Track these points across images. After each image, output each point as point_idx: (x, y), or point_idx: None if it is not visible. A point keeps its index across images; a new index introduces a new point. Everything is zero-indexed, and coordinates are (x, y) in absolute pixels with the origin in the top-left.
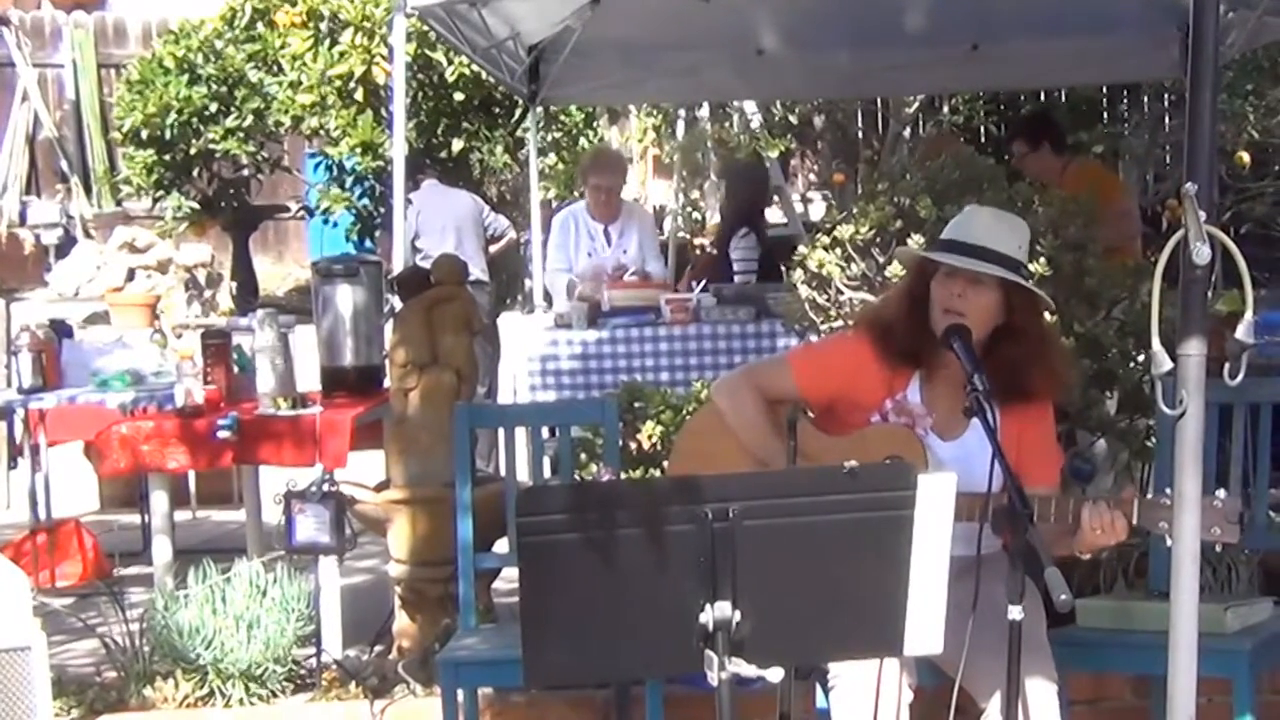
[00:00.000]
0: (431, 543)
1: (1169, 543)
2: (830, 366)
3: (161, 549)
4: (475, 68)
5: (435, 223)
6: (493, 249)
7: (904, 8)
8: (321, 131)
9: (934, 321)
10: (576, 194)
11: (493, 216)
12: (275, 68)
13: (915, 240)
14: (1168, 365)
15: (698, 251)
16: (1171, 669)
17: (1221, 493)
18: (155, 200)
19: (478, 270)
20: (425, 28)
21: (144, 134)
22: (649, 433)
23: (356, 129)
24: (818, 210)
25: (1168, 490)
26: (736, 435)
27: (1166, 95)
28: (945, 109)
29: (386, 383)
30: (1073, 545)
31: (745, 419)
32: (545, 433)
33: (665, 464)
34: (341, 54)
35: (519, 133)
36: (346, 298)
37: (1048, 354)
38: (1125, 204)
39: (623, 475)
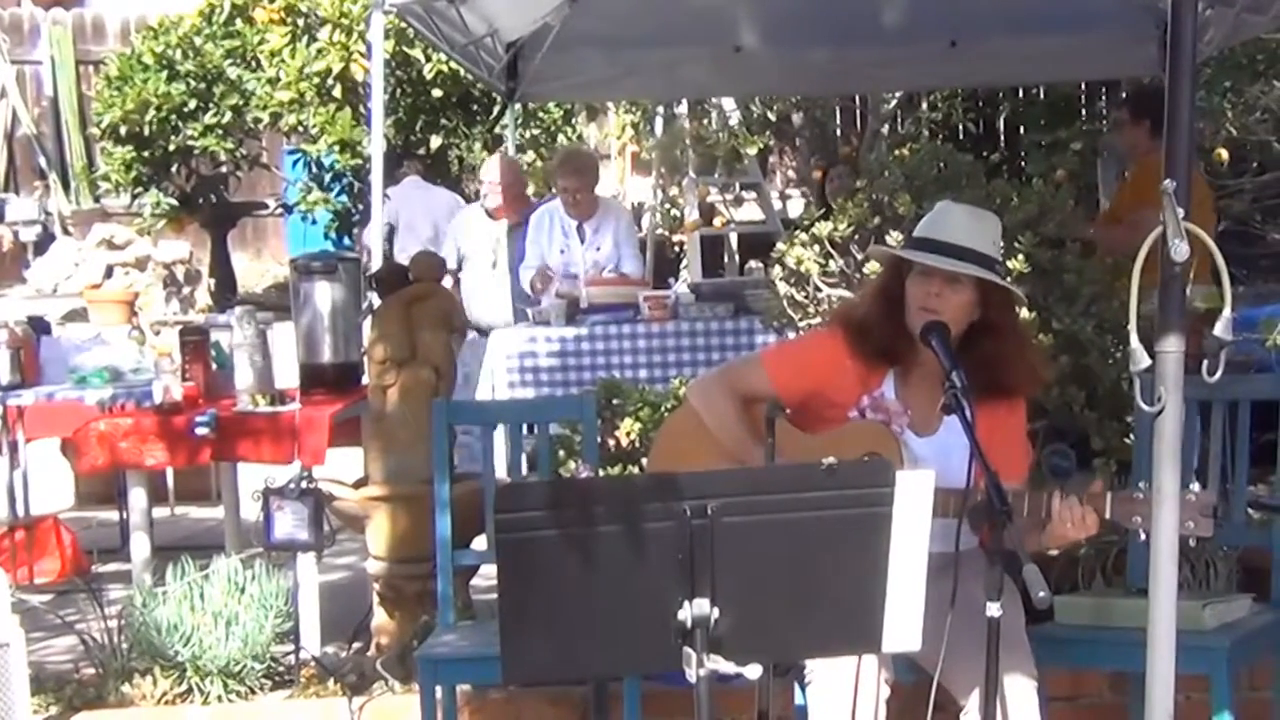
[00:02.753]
0: (410, 539)
1: (1142, 537)
2: (805, 364)
3: (140, 546)
4: (453, 65)
5: (413, 219)
6: None
7: (882, 5)
8: (300, 128)
9: (910, 320)
10: (554, 191)
11: None
12: (254, 64)
13: (894, 237)
14: (1146, 362)
15: (677, 249)
16: (1150, 666)
17: (1195, 486)
18: (134, 197)
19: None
20: (403, 24)
21: (122, 130)
22: (627, 430)
23: (335, 126)
24: (796, 207)
25: (1141, 484)
26: (713, 436)
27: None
28: (924, 106)
29: (365, 379)
30: (1041, 539)
31: (720, 419)
32: (524, 430)
33: (644, 461)
34: (320, 51)
35: (497, 130)
36: (325, 294)
37: (1023, 350)
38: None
39: (601, 472)
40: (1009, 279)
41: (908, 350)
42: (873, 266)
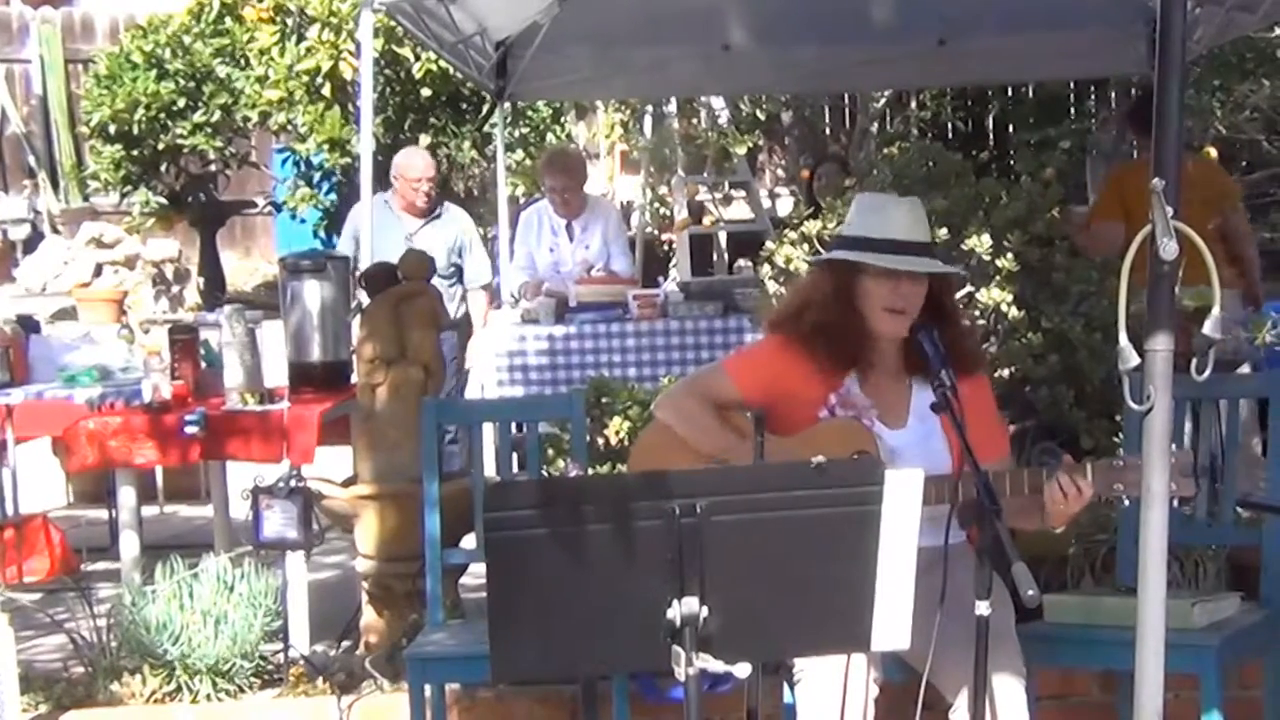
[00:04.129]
0: (399, 538)
1: (1126, 503)
2: (767, 367)
3: (129, 544)
4: (442, 63)
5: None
6: None
7: (871, 3)
8: (289, 127)
9: (874, 321)
10: (543, 189)
11: None
12: (243, 62)
13: None
14: (1135, 360)
15: (666, 247)
16: (1139, 665)
17: (1172, 446)
18: (123, 195)
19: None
20: (392, 23)
21: (112, 129)
22: (616, 428)
23: (324, 125)
24: (785, 206)
25: (1120, 452)
26: (687, 445)
27: (1134, 90)
28: (913, 104)
29: (354, 378)
30: (1043, 520)
31: (695, 423)
32: (513, 428)
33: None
34: (309, 49)
35: (486, 129)
36: (314, 293)
37: (970, 328)
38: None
39: (590, 471)
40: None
41: (869, 351)
42: None
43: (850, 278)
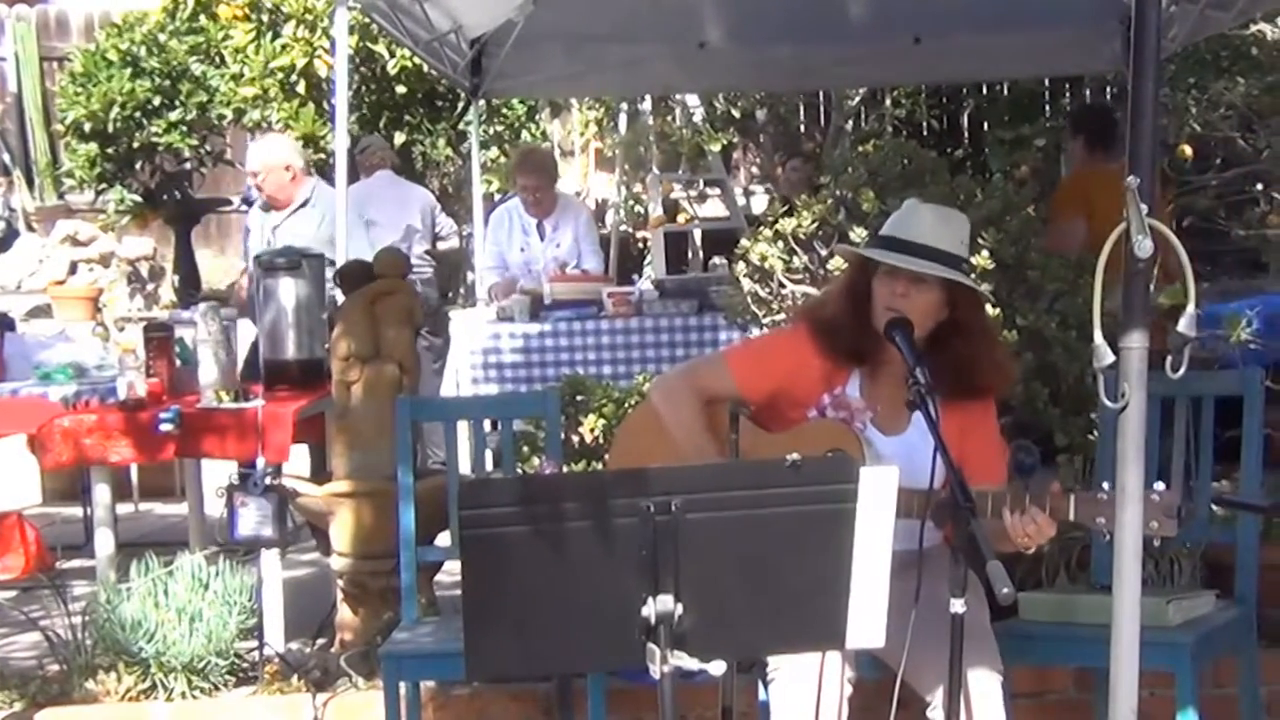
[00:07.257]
0: (374, 535)
1: (1106, 538)
2: (769, 363)
3: (104, 542)
4: (417, 61)
5: (385, 215)
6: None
7: (846, 1)
8: (264, 124)
9: (876, 319)
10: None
11: (443, 218)
12: (218, 60)
13: (857, 233)
14: (1110, 358)
15: (641, 245)
16: (1114, 662)
17: (1159, 485)
18: (98, 193)
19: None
20: (367, 20)
21: (87, 127)
22: (591, 426)
23: (299, 122)
24: (760, 204)
25: (1105, 485)
26: (668, 433)
27: (1109, 88)
28: (888, 102)
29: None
30: (1011, 543)
31: (680, 418)
32: (487, 426)
33: (606, 458)
34: (284, 46)
35: (461, 126)
36: (289, 291)
37: (991, 350)
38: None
39: (565, 468)
40: (973, 276)
41: (874, 349)
42: (837, 263)
43: (864, 274)
